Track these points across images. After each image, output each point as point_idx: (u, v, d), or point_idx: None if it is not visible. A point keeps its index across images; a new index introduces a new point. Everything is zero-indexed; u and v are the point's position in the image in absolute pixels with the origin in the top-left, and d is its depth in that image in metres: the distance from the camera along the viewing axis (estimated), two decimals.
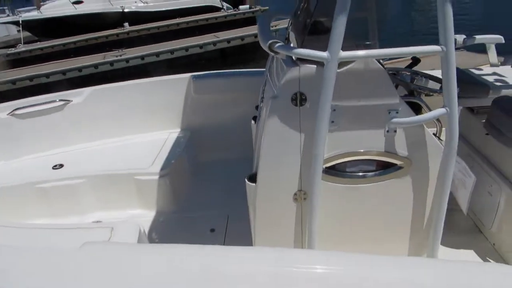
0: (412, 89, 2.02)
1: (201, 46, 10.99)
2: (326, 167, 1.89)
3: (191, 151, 3.51)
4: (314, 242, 1.90)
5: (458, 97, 2.70)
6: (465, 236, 2.49)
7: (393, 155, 1.87)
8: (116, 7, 15.68)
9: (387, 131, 1.82)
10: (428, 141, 1.85)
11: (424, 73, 2.29)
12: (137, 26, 14.72)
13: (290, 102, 1.80)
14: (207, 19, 15.48)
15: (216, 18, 15.62)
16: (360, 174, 1.91)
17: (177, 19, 15.46)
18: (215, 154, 3.62)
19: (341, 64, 1.73)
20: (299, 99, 1.79)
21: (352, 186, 1.93)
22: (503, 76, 2.72)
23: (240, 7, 16.29)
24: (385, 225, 2.01)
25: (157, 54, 11.12)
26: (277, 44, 1.66)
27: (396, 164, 1.89)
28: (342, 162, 1.90)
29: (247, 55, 11.30)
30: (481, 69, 2.89)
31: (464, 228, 2.56)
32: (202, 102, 3.55)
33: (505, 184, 2.21)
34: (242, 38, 11.47)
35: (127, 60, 10.93)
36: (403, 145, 1.86)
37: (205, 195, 3.24)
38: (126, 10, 15.64)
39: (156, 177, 3.01)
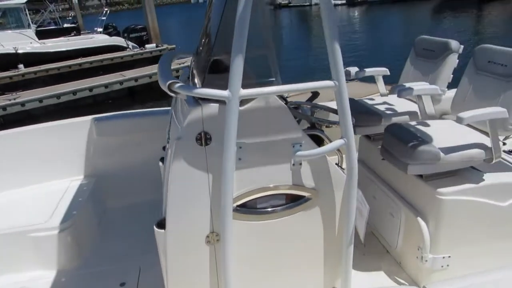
0: (313, 122, 2.11)
1: (106, 86, 10.57)
2: (236, 206, 1.86)
3: (97, 199, 3.25)
4: (230, 286, 1.83)
5: (355, 126, 2.92)
6: (376, 259, 2.60)
7: (301, 187, 1.91)
8: (8, 48, 14.52)
9: (293, 164, 1.86)
10: (331, 171, 1.92)
11: (323, 105, 2.41)
12: (33, 67, 13.73)
13: (195, 142, 1.75)
14: (112, 59, 15.03)
15: (121, 57, 15.25)
16: (271, 209, 1.90)
17: (80, 59, 14.78)
18: (124, 200, 3.39)
19: (244, 101, 1.74)
20: (204, 138, 1.75)
21: (264, 222, 1.91)
22: (392, 105, 2.98)
23: (147, 46, 16.15)
24: (300, 256, 2.01)
25: (58, 96, 10.44)
26: (177, 84, 1.62)
27: (304, 196, 1.92)
28: (253, 199, 1.88)
29: (156, 92, 11.13)
30: (373, 99, 3.14)
31: (375, 250, 2.67)
32: (107, 145, 3.34)
33: (403, 204, 2.37)
34: (149, 76, 11.30)
35: (22, 104, 10.05)
36: (309, 176, 1.90)
37: (114, 246, 2.99)
38: (20, 51, 14.54)
39: (55, 232, 2.70)
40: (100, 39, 16.84)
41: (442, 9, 29.04)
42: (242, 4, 1.51)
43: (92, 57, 14.92)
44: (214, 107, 1.72)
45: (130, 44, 16.75)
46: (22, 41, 14.85)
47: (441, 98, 2.84)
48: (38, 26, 18.35)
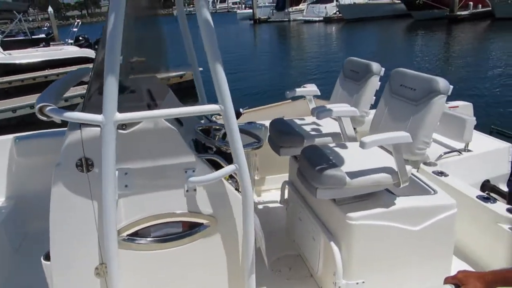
0: (217, 145, 2.03)
1: (66, 100, 10.25)
2: (127, 235, 1.75)
3: (16, 222, 3.06)
4: None
5: (280, 147, 2.86)
6: (299, 284, 2.53)
7: (197, 214, 1.82)
8: None
9: (187, 190, 1.77)
10: (230, 196, 1.83)
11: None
12: None
13: (75, 168, 1.64)
14: None
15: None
16: (167, 237, 1.80)
17: (46, 70, 14.40)
18: (46, 223, 3.21)
19: (130, 124, 1.65)
20: (85, 164, 1.64)
21: (161, 251, 1.81)
22: (319, 126, 2.95)
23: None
24: (201, 286, 1.91)
25: (14, 110, 10.07)
26: (48, 108, 1.51)
27: (202, 223, 1.83)
28: (145, 227, 1.77)
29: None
30: (303, 119, 3.10)
31: (299, 275, 2.60)
32: (28, 166, 3.17)
33: (321, 228, 2.31)
34: None
35: None
36: (206, 203, 1.82)
37: (32, 274, 2.80)
38: None
39: None
40: (69, 50, 16.52)
41: (415, 28, 29.83)
42: (112, 17, 1.42)
43: (59, 69, 14.57)
44: (95, 131, 1.62)
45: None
46: None
47: (364, 120, 2.82)
48: (5, 37, 17.88)
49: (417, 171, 2.93)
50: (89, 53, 16.61)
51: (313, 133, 2.81)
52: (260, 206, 3.42)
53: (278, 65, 19.44)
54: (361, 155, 2.21)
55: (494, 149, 3.26)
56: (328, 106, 2.60)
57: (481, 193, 2.57)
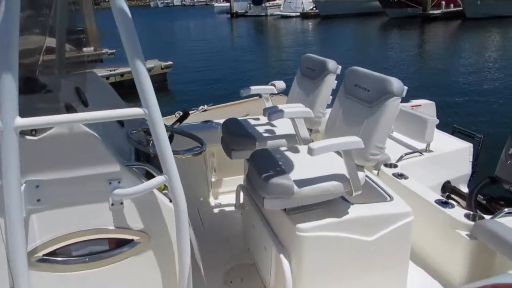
0: (150, 151, 1.83)
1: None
2: (43, 255, 1.54)
3: None
4: None
5: (231, 150, 2.69)
6: None
7: (126, 230, 1.62)
8: None
9: (112, 204, 1.57)
10: (163, 209, 1.65)
11: (177, 129, 2.15)
12: None
13: None
14: None
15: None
16: (91, 256, 1.60)
17: None
18: None
19: (41, 129, 1.44)
20: None
21: (84, 272, 1.60)
22: (275, 126, 2.79)
23: (84, 49, 15.35)
24: None
25: None
26: None
27: (132, 240, 1.64)
28: (65, 246, 1.57)
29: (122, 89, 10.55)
30: (258, 119, 2.94)
31: (254, 286, 2.44)
32: None
33: (272, 238, 2.16)
34: (121, 74, 10.65)
35: None
36: (136, 217, 1.62)
37: None
38: None
39: None
40: None
41: (389, 26, 30.24)
42: (3, 6, 1.21)
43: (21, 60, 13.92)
44: None
45: (67, 47, 15.86)
46: None
47: (320, 121, 2.69)
48: None
49: (378, 173, 2.83)
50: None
51: (266, 134, 2.65)
52: (216, 210, 3.25)
53: (254, 60, 19.24)
54: (313, 160, 2.06)
55: (455, 150, 3.18)
56: (281, 106, 2.43)
57: (440, 197, 2.48)
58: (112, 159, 1.53)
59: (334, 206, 2.09)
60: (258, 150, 2.30)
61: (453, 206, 2.37)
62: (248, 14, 47.83)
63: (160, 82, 12.43)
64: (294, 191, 1.90)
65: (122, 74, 11.43)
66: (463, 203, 3.10)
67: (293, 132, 2.60)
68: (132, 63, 1.37)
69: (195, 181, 3.25)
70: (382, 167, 2.84)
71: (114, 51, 16.00)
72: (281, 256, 2.03)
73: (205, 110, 6.93)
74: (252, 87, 3.01)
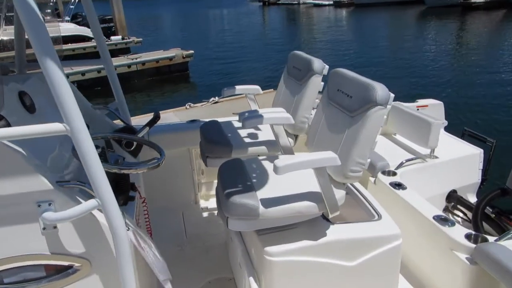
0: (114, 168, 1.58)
1: (99, 71, 10.01)
2: None
3: None
4: None
5: (206, 157, 2.47)
6: None
7: (63, 255, 1.44)
8: None
9: (43, 228, 1.39)
10: (106, 233, 1.45)
11: (128, 136, 1.93)
12: None
13: None
14: (73, 49, 14.40)
15: (84, 48, 14.64)
16: (27, 283, 1.44)
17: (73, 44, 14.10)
18: None
19: None
20: None
21: None
22: (258, 130, 2.56)
23: (112, 38, 15.55)
24: None
25: None
26: None
27: (71, 266, 1.46)
28: None
29: (106, 88, 10.59)
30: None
31: None
32: None
33: (244, 257, 1.98)
34: (98, 70, 10.72)
35: None
36: (74, 242, 1.44)
37: None
38: None
39: None
40: (65, 28, 16.16)
41: (427, 15, 28.89)
42: None
43: (54, 46, 14.24)
44: None
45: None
46: None
47: (304, 127, 2.42)
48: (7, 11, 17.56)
49: (374, 181, 2.55)
50: (85, 31, 16.26)
51: (246, 141, 2.43)
52: (201, 215, 3.05)
53: (284, 50, 18.83)
54: (287, 175, 1.81)
55: (464, 156, 2.84)
56: (261, 110, 2.20)
57: (439, 213, 2.16)
58: (40, 178, 1.34)
59: (311, 225, 1.85)
60: (230, 161, 2.08)
61: (453, 224, 2.05)
62: (280, 2, 47.14)
63: (181, 71, 12.38)
64: (259, 212, 1.67)
65: (143, 63, 11.44)
66: (470, 214, 2.77)
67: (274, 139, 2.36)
68: (46, 70, 1.16)
69: (181, 183, 3.08)
70: (379, 174, 2.56)
71: (141, 39, 16.14)
72: (251, 279, 1.83)
73: (216, 102, 6.76)
74: (238, 87, 2.77)
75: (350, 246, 1.82)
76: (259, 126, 2.60)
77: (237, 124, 2.68)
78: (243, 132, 2.56)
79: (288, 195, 1.74)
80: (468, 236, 1.94)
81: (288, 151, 2.29)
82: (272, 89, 6.98)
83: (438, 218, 2.09)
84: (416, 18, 29.12)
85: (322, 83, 2.37)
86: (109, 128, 2.30)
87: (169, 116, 6.19)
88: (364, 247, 1.84)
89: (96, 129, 2.00)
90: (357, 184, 2.34)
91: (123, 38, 15.61)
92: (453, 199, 2.86)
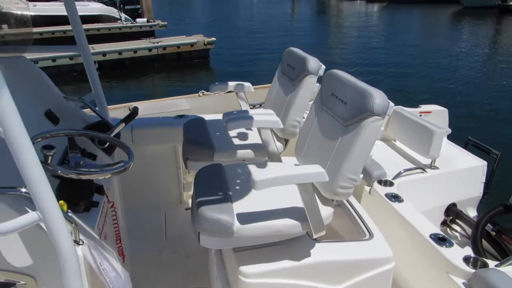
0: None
1: (71, 58, 10.10)
2: None
3: None
4: None
5: (187, 159, 2.27)
6: None
7: (4, 272, 1.31)
8: None
9: None
10: (58, 248, 1.34)
11: (92, 133, 1.69)
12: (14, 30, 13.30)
13: None
14: (98, 29, 14.55)
15: (109, 29, 14.77)
16: None
17: (59, 26, 14.20)
18: None
19: None
20: None
21: None
22: (249, 131, 2.44)
23: (137, 20, 15.62)
24: None
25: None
26: None
27: (13, 283, 1.38)
28: None
29: (127, 70, 10.67)
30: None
31: None
32: None
33: (218, 273, 1.86)
34: (119, 52, 10.79)
35: None
36: (16, 257, 1.30)
37: None
38: (3, 11, 14.10)
39: None
40: (93, 7, 16.36)
41: (462, 15, 27.88)
42: None
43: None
44: None
45: (123, 16, 16.23)
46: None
47: (296, 131, 2.28)
48: None
49: (370, 191, 2.43)
50: (112, 11, 16.42)
51: (232, 143, 2.30)
52: (185, 217, 2.90)
53: (310, 43, 18.46)
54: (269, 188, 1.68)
55: (466, 168, 2.67)
56: (251, 112, 2.06)
57: (437, 231, 1.99)
58: None
59: (294, 243, 1.71)
60: (208, 166, 1.94)
61: (451, 244, 1.90)
62: None
63: (202, 58, 12.34)
64: (234, 230, 1.52)
65: (164, 47, 11.45)
66: (469, 230, 2.62)
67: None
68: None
69: (165, 182, 2.94)
70: (375, 184, 2.41)
71: (166, 23, 16.15)
72: None
73: (230, 92, 6.66)
74: (229, 83, 2.66)
75: (336, 268, 1.68)
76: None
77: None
78: (231, 133, 2.42)
79: (269, 210, 1.59)
80: (466, 259, 1.78)
81: (275, 158, 2.14)
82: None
83: (435, 237, 1.94)
84: (450, 18, 28.13)
85: (318, 84, 2.19)
86: (82, 122, 2.11)
87: (180, 102, 6.14)
88: (352, 270, 1.70)
89: (67, 123, 1.86)
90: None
91: (148, 21, 15.66)
92: (452, 213, 2.72)
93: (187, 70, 11.48)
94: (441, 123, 2.96)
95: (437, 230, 1.99)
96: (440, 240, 1.91)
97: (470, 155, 2.79)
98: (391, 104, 1.62)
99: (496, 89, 10.42)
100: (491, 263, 1.77)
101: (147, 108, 5.81)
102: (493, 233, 2.50)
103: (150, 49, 11.13)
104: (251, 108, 2.63)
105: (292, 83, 2.31)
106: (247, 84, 2.71)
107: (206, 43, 12.12)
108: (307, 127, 1.97)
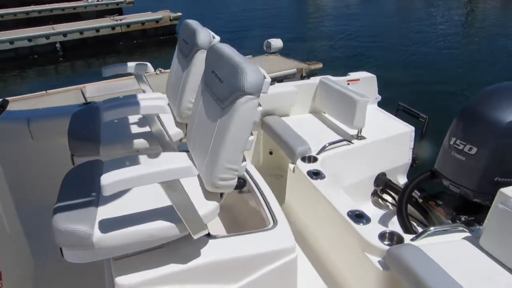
0: None
1: (29, 39, 9.67)
2: None
3: None
4: None
5: (72, 155, 2.02)
6: None
7: None
8: None
9: None
10: None
11: None
12: None
13: None
14: (63, 9, 13.98)
15: (74, 8, 14.20)
16: None
17: (31, 6, 13.66)
18: None
19: None
20: None
21: None
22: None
23: None
24: None
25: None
26: None
27: None
28: None
29: (90, 50, 10.31)
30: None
31: None
32: None
33: (108, 284, 1.70)
34: (81, 31, 10.39)
35: None
36: None
37: None
38: None
39: None
40: None
41: None
42: None
43: (41, 5, 13.86)
44: None
45: None
46: None
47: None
48: None
49: (293, 169, 2.32)
50: None
51: (124, 133, 2.07)
52: None
53: (286, 16, 18.05)
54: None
55: (393, 135, 2.59)
56: (140, 96, 1.89)
57: (356, 208, 1.89)
58: None
59: (181, 244, 1.52)
60: (82, 165, 1.71)
61: (368, 221, 1.80)
62: None
63: (169, 35, 12.00)
64: (94, 241, 1.31)
65: (128, 25, 11.08)
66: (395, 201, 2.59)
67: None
68: None
69: None
70: (299, 161, 2.29)
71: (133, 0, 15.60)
72: None
73: (161, 72, 6.26)
74: (123, 65, 2.40)
75: (232, 266, 1.54)
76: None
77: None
78: (124, 122, 2.15)
79: (138, 213, 1.40)
80: (382, 235, 1.69)
81: (167, 146, 1.96)
82: (251, 55, 6.67)
83: (352, 215, 1.84)
84: None
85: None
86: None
87: (132, 83, 5.92)
88: (251, 265, 1.57)
89: None
90: (259, 178, 2.02)
91: None
92: (381, 182, 2.67)
93: (153, 47, 11.15)
94: (370, 90, 2.88)
95: (354, 207, 1.90)
96: (357, 217, 1.83)
97: (398, 121, 2.73)
98: (267, 80, 1.48)
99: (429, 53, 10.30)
100: (407, 238, 1.68)
101: (97, 89, 5.58)
102: (420, 200, 2.46)
103: (113, 27, 10.75)
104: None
105: (186, 60, 2.10)
106: (144, 64, 2.43)
107: (172, 18, 11.75)
108: (194, 111, 1.79)
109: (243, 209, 2.02)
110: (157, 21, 11.61)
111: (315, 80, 2.81)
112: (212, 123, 1.54)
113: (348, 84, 2.79)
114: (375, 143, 2.55)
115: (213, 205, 1.49)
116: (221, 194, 1.55)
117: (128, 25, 11.01)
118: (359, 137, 2.54)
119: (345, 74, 2.98)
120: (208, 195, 1.52)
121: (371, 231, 1.73)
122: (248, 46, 10.72)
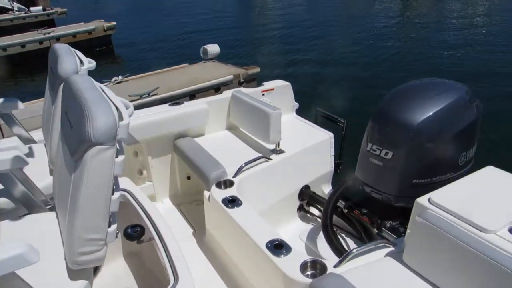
0: None
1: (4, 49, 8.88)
2: None
3: None
4: None
5: None
6: None
7: None
8: None
9: None
10: None
11: None
12: None
13: None
14: None
15: None
16: None
17: None
18: None
19: None
20: None
21: None
22: None
23: (32, 8, 14.17)
24: None
25: None
26: None
27: None
28: None
29: (15, 68, 9.61)
30: None
31: None
32: None
33: None
34: (3, 48, 9.65)
35: None
36: None
37: None
38: None
39: None
40: None
41: None
42: None
43: None
44: None
45: (16, 5, 14.61)
46: None
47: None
48: None
49: (209, 198, 2.13)
50: (3, 1, 14.72)
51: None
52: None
53: (224, 21, 17.88)
54: None
55: (312, 145, 2.53)
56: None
57: (275, 238, 1.73)
58: None
59: None
60: None
61: (288, 251, 1.65)
62: None
63: (104, 46, 11.47)
64: None
65: (58, 38, 10.45)
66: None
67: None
68: None
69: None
70: (213, 188, 2.12)
71: (66, 10, 14.83)
72: None
73: (119, 82, 6.15)
74: None
75: None
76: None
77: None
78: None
79: None
80: (304, 266, 1.56)
81: (33, 206, 1.67)
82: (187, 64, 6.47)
83: (271, 246, 1.68)
84: None
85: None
86: None
87: None
88: None
89: None
90: (160, 222, 1.75)
91: (44, 9, 14.23)
92: (306, 196, 2.59)
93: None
94: (286, 98, 2.80)
95: (275, 236, 1.75)
96: (277, 248, 1.67)
97: (317, 129, 2.66)
98: (124, 122, 1.20)
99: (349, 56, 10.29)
100: (330, 266, 1.56)
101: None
102: (345, 210, 2.38)
103: (41, 41, 10.06)
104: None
105: (53, 94, 1.84)
106: (14, 101, 2.12)
107: (106, 28, 11.21)
108: (56, 160, 1.53)
109: (147, 260, 1.81)
110: (89, 32, 11.01)
111: (227, 94, 2.68)
112: (68, 178, 1.27)
113: (263, 94, 2.69)
114: (295, 155, 2.46)
115: (81, 285, 1.23)
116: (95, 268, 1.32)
117: (57, 38, 10.35)
118: (277, 151, 2.44)
119: (283, 78, 2.89)
120: (74, 273, 1.26)
121: (292, 263, 1.59)
122: (185, 53, 10.50)
